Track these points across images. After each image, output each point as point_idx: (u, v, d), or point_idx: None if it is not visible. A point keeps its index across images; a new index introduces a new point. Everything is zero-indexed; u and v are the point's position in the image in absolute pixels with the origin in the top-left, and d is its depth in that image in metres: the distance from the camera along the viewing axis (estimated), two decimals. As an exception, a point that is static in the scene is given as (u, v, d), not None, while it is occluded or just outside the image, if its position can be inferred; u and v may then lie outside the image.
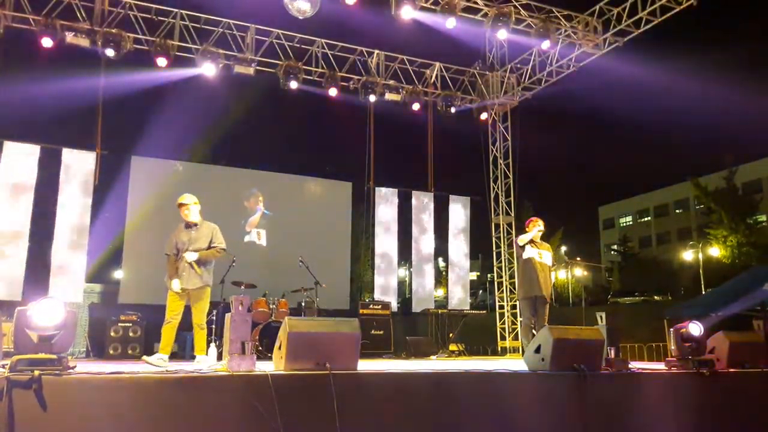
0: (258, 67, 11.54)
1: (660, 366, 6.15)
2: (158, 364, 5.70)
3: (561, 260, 27.59)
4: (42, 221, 10.56)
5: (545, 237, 8.34)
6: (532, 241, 7.98)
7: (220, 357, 6.59)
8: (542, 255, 7.95)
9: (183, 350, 9.44)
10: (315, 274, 9.48)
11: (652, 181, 48.47)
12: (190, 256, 6.09)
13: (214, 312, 8.84)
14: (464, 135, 14.77)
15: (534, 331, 7.84)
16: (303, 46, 11.98)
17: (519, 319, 10.38)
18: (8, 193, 10.10)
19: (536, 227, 7.94)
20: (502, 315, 13.40)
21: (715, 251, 28.72)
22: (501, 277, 13.65)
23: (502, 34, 11.17)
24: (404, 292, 28.55)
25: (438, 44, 12.37)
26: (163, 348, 6.03)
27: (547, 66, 12.59)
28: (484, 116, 13.70)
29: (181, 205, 6.26)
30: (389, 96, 12.49)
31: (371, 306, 11.12)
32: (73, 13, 10.27)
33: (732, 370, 5.70)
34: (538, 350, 5.04)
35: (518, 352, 11.66)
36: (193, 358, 8.86)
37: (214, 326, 8.55)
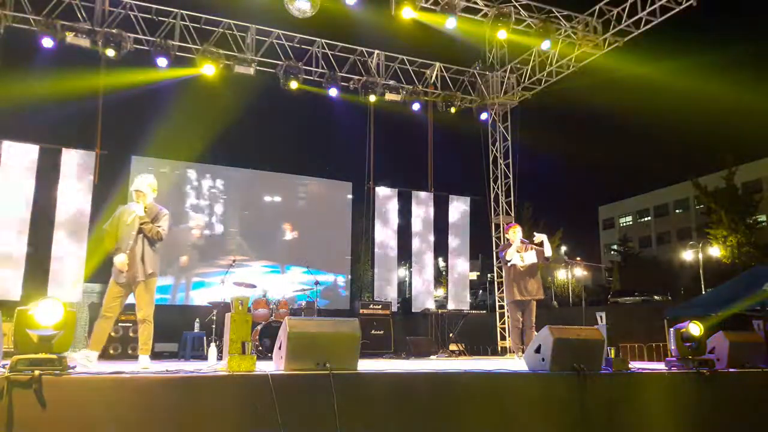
0: (258, 67, 11.54)
1: (660, 366, 6.15)
2: (84, 362, 5.07)
3: (561, 260, 27.60)
4: (42, 221, 10.56)
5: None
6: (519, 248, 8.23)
7: (220, 357, 6.58)
8: (524, 258, 8.15)
9: (183, 350, 9.44)
10: (314, 274, 9.49)
11: (652, 181, 48.56)
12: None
13: (215, 312, 8.86)
14: (464, 135, 14.78)
15: (522, 332, 8.09)
16: (303, 46, 11.98)
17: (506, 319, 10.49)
18: (8, 193, 10.10)
19: (517, 235, 8.20)
20: (502, 315, 13.39)
21: (715, 251, 28.75)
22: (501, 277, 13.64)
23: (502, 34, 11.16)
24: (404, 292, 28.54)
25: (438, 44, 12.38)
26: (95, 344, 5.46)
27: (547, 66, 12.58)
28: (484, 116, 13.69)
29: (137, 192, 5.77)
30: (389, 96, 12.48)
31: (371, 306, 11.12)
32: (74, 13, 10.27)
33: (732, 370, 5.70)
34: (538, 350, 5.04)
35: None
36: (193, 358, 8.91)
37: (214, 326, 8.57)
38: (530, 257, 8.18)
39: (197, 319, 9.57)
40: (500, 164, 13.76)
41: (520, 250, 8.16)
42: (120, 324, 9.40)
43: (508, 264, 8.23)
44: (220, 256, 11.95)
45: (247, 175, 13.08)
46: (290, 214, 13.15)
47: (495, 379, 4.75)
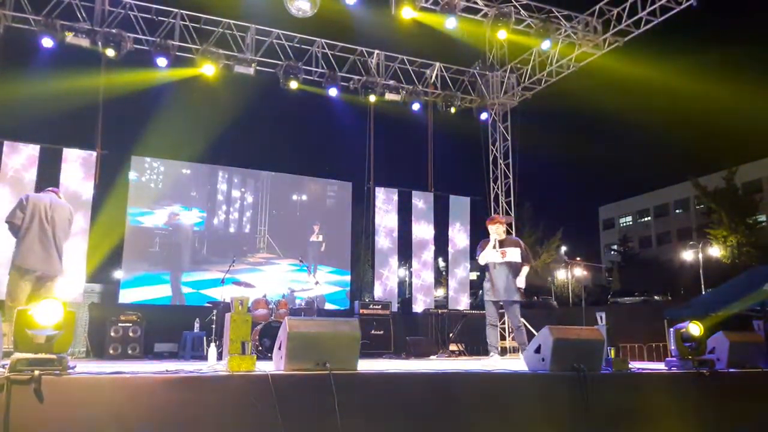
0: (258, 67, 11.55)
1: (660, 366, 6.15)
2: None
3: (561, 260, 27.59)
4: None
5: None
6: (500, 242, 7.62)
7: (220, 357, 6.58)
8: (506, 253, 7.52)
9: (183, 350, 9.44)
10: (315, 274, 9.49)
11: (652, 181, 48.58)
12: None
13: (214, 312, 8.86)
14: (464, 135, 14.80)
15: (505, 333, 7.68)
16: (303, 46, 11.99)
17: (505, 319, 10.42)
18: (8, 192, 10.10)
19: (493, 234, 7.58)
20: (501, 315, 13.38)
21: (715, 251, 28.76)
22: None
23: (502, 34, 11.16)
24: (404, 292, 28.52)
25: (438, 44, 12.39)
26: None
27: (547, 66, 12.58)
28: (484, 116, 13.70)
29: None
30: (389, 96, 12.49)
31: (371, 306, 11.12)
32: (73, 13, 10.28)
33: (732, 370, 5.70)
34: (538, 350, 5.04)
35: (517, 351, 11.64)
36: (193, 358, 8.91)
37: (214, 326, 8.56)
38: (513, 255, 7.55)
39: (197, 319, 9.57)
40: (500, 164, 13.76)
41: (497, 246, 7.53)
42: (120, 324, 9.39)
43: (484, 264, 7.69)
44: (220, 252, 11.93)
45: (248, 175, 13.08)
46: (290, 214, 13.14)
47: (495, 379, 4.75)
